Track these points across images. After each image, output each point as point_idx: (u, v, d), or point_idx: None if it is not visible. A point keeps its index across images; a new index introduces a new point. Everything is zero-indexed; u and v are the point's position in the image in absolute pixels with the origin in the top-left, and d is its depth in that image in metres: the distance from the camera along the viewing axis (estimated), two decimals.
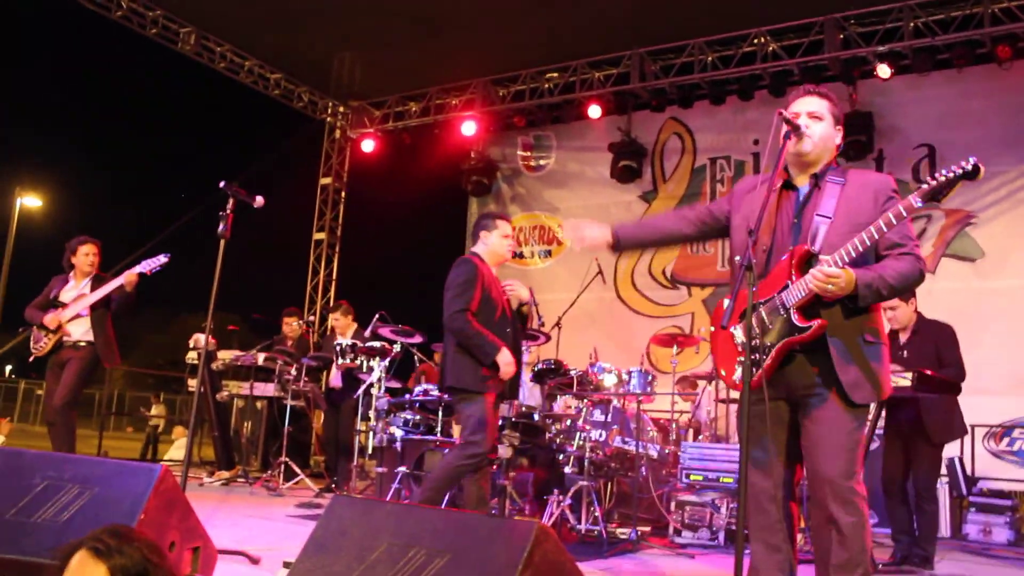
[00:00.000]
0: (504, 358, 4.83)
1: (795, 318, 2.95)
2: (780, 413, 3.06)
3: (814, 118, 3.12)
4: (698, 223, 3.45)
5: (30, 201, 22.81)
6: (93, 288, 6.59)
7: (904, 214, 2.82)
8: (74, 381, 6.43)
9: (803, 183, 3.16)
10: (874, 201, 3.01)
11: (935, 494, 5.71)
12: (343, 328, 8.63)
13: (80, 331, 6.53)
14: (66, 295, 6.64)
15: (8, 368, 34.65)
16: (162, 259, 6.43)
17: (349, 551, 2.27)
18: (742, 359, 3.07)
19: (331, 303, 13.02)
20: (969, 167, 2.76)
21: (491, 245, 5.22)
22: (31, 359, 6.69)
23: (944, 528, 7.49)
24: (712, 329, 3.39)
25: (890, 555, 5.67)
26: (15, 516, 2.82)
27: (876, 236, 2.85)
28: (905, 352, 5.65)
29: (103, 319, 6.58)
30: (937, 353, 5.60)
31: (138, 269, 6.44)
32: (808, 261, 2.98)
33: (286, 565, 2.36)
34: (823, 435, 2.96)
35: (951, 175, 2.77)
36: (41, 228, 28.06)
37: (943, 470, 6.88)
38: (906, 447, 5.68)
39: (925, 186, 2.80)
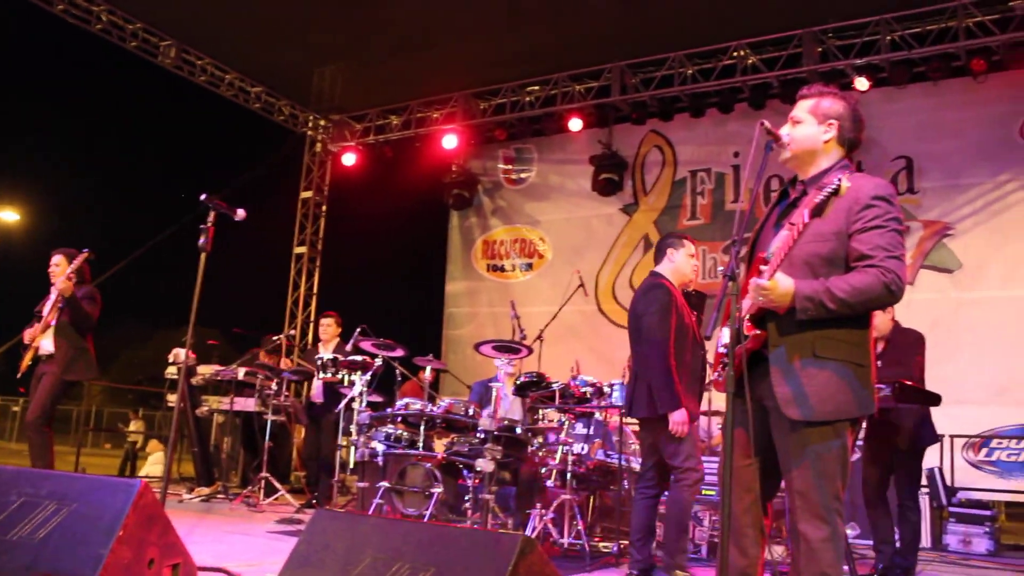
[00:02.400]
0: (677, 417, 4.77)
1: (744, 327, 2.91)
2: (763, 421, 2.98)
3: (794, 123, 3.09)
4: None
5: (6, 215, 22.60)
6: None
7: (799, 226, 2.77)
8: (45, 396, 6.33)
9: (797, 189, 3.09)
10: (848, 209, 2.83)
11: (918, 503, 5.70)
12: (330, 337, 8.55)
13: (48, 344, 6.45)
14: (46, 308, 6.57)
15: None
16: (82, 255, 6.40)
17: (333, 565, 2.25)
18: (724, 362, 3.06)
19: (311, 317, 12.97)
20: (836, 185, 2.68)
21: (677, 263, 5.14)
22: (18, 375, 6.61)
23: (925, 539, 7.52)
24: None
25: (871, 567, 5.67)
26: None
27: (790, 243, 2.78)
28: (880, 362, 5.65)
29: (67, 332, 6.48)
30: (908, 359, 5.61)
31: (68, 271, 6.37)
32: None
33: None
34: (786, 450, 2.91)
35: (826, 194, 2.69)
36: (19, 242, 27.81)
37: (923, 480, 6.91)
38: (884, 456, 5.67)
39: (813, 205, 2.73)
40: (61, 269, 6.60)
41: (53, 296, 6.60)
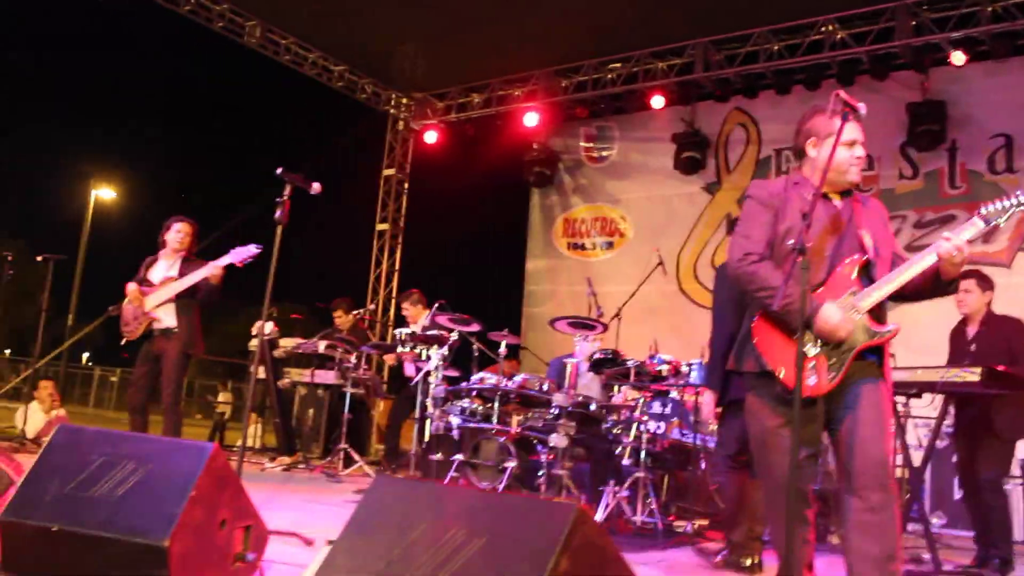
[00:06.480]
0: None
1: (867, 321, 3.00)
2: (817, 410, 3.02)
3: (862, 145, 3.21)
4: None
5: (105, 193, 23.44)
6: (181, 271, 6.43)
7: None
8: (176, 375, 6.36)
9: (835, 197, 3.22)
10: (883, 222, 3.26)
11: (1001, 488, 5.47)
12: (414, 316, 8.58)
13: (169, 318, 6.39)
14: (154, 275, 6.53)
15: (85, 355, 35.72)
16: (253, 250, 6.22)
17: (389, 530, 2.28)
18: (810, 362, 3.01)
19: (394, 293, 13.14)
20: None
21: None
22: (123, 342, 6.58)
23: (1019, 531, 7.20)
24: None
25: (973, 558, 5.49)
26: (73, 490, 2.89)
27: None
28: (974, 346, 5.46)
29: (189, 307, 6.45)
30: (1009, 347, 5.37)
31: (225, 260, 6.26)
32: (866, 269, 3.07)
33: (330, 543, 2.38)
34: (870, 420, 2.98)
35: (1008, 204, 2.98)
36: (115, 219, 28.90)
37: (1018, 471, 6.65)
38: (973, 443, 5.47)
39: (983, 211, 3.01)
40: (181, 237, 6.54)
41: (167, 264, 6.55)
